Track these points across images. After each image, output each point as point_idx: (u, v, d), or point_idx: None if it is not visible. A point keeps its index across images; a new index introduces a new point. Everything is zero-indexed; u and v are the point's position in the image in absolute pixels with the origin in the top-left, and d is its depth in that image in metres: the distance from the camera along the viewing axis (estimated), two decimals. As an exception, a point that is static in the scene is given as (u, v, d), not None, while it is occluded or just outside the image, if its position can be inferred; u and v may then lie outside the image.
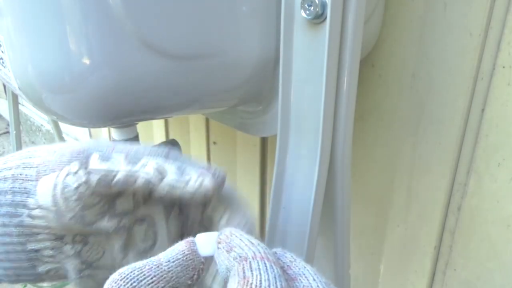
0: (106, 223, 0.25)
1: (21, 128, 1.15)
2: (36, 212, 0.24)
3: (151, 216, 0.27)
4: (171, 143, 0.46)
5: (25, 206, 0.24)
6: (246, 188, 0.79)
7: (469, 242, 0.49)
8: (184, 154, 0.27)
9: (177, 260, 0.21)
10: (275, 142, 0.38)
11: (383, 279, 0.60)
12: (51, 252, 0.25)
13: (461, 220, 0.49)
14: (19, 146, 0.93)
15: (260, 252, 0.20)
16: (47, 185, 0.23)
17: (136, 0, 0.29)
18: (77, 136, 1.45)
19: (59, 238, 0.25)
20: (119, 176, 0.23)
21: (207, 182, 0.23)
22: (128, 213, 0.26)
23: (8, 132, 1.87)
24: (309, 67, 0.33)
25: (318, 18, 0.31)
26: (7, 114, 0.95)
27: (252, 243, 0.20)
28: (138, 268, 0.20)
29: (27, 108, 1.72)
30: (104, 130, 1.17)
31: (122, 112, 0.34)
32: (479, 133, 0.45)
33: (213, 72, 0.35)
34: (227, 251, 0.20)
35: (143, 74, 0.32)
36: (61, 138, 1.09)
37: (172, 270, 0.20)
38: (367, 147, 0.55)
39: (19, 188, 0.23)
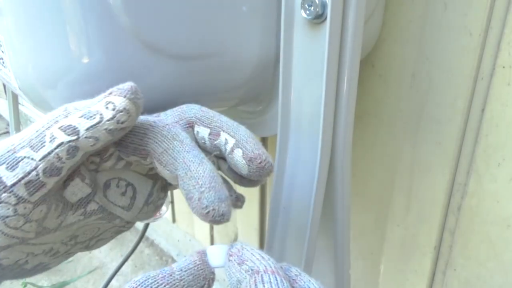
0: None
1: (21, 128, 1.15)
2: None
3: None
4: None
5: None
6: (246, 189, 0.79)
7: (469, 242, 0.49)
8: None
9: (188, 269, 0.22)
10: (275, 142, 0.38)
11: (383, 279, 0.60)
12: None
13: (461, 220, 0.49)
14: (19, 146, 0.92)
15: (271, 266, 0.21)
16: None
17: (136, 0, 0.29)
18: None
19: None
20: (41, 167, 0.22)
21: (120, 105, 0.22)
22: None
23: (8, 132, 1.87)
24: (309, 67, 0.33)
25: (318, 18, 0.31)
26: (7, 114, 0.95)
27: (263, 257, 0.21)
28: (152, 276, 0.21)
29: (27, 108, 1.72)
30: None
31: (122, 112, 0.34)
32: (479, 133, 0.45)
33: (213, 72, 0.35)
34: (238, 264, 0.21)
35: (143, 74, 0.32)
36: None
37: (184, 279, 0.21)
38: (367, 147, 0.55)
39: None
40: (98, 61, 0.30)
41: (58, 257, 0.27)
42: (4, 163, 0.21)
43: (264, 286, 0.20)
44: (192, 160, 0.23)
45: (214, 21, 0.33)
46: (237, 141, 0.26)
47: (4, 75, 0.33)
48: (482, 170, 0.46)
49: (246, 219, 0.82)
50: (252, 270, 0.21)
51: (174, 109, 0.28)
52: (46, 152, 0.21)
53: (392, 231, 0.56)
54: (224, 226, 0.90)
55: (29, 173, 0.21)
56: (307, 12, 0.31)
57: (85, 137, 0.22)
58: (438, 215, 0.51)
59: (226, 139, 0.26)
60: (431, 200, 0.51)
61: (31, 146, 0.21)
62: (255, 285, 0.20)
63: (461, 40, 0.43)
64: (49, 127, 0.22)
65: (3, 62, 0.32)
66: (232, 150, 0.26)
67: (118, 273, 0.65)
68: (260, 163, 0.25)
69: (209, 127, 0.27)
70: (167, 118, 0.28)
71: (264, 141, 0.71)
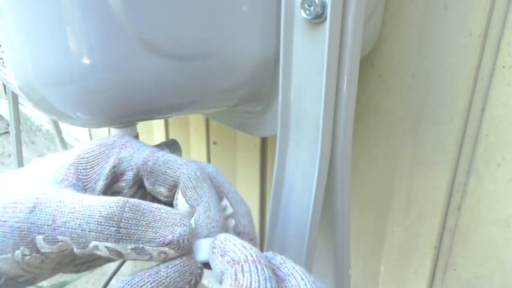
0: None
1: (21, 128, 1.15)
2: (11, 275, 0.24)
3: None
4: (171, 143, 0.46)
5: None
6: (246, 188, 0.79)
7: (469, 242, 0.49)
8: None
9: (174, 266, 0.22)
10: (275, 142, 0.38)
11: (383, 279, 0.60)
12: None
13: (461, 220, 0.49)
14: (19, 146, 0.93)
15: (252, 256, 0.21)
16: (9, 263, 0.23)
17: (136, 0, 0.29)
18: (77, 136, 1.45)
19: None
20: (76, 252, 0.23)
21: (170, 253, 0.22)
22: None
23: (8, 132, 1.88)
24: (309, 67, 0.33)
25: (318, 18, 0.31)
26: (7, 114, 0.95)
27: (244, 247, 0.21)
28: (139, 275, 0.21)
29: (27, 108, 1.72)
30: (104, 130, 1.17)
31: (122, 112, 0.34)
32: (479, 133, 0.45)
33: (213, 72, 0.35)
34: (221, 255, 0.21)
35: (143, 74, 0.32)
36: (61, 138, 1.09)
37: (170, 275, 0.21)
38: (367, 147, 0.55)
39: None
40: (97, 61, 0.30)
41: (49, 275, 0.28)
42: (43, 234, 0.22)
43: (243, 275, 0.20)
44: (214, 205, 0.25)
45: (214, 21, 0.33)
46: (235, 212, 0.27)
47: (4, 75, 0.33)
48: (482, 170, 0.46)
49: (246, 219, 0.82)
50: (233, 260, 0.21)
51: (192, 160, 0.28)
52: (87, 252, 0.22)
53: (392, 231, 0.56)
54: (224, 226, 0.90)
55: (63, 252, 0.23)
56: (307, 12, 0.31)
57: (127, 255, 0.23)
58: (438, 215, 0.51)
59: (225, 206, 0.27)
60: (431, 200, 0.51)
61: (72, 240, 0.22)
62: (235, 275, 0.20)
63: (461, 40, 0.43)
64: (97, 240, 0.22)
65: (3, 62, 0.32)
66: (226, 218, 0.27)
67: (118, 273, 0.64)
68: (246, 241, 0.25)
69: (216, 189, 0.27)
70: None
71: (264, 141, 0.71)
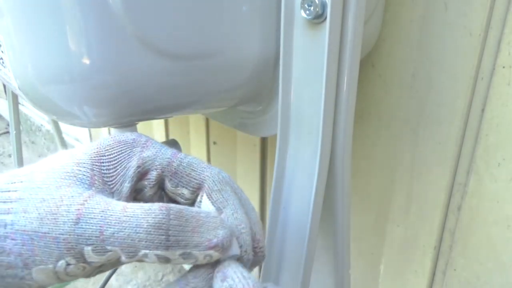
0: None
1: (21, 128, 1.15)
2: (36, 285, 0.23)
3: None
4: (171, 143, 0.46)
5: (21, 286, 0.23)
6: (246, 188, 0.79)
7: (469, 242, 0.49)
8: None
9: (201, 275, 0.24)
10: (275, 142, 0.38)
11: (383, 279, 0.60)
12: None
13: (461, 220, 0.49)
14: (19, 146, 0.93)
15: (249, 285, 0.22)
16: (46, 273, 0.23)
17: (136, 0, 0.29)
18: (77, 136, 1.45)
19: None
20: (123, 260, 0.23)
21: (215, 255, 0.24)
22: None
23: (8, 132, 1.87)
24: (309, 67, 0.33)
25: (318, 18, 0.31)
26: (7, 114, 0.95)
27: (244, 277, 0.22)
28: None
29: (27, 108, 1.72)
30: (104, 130, 1.17)
31: (122, 112, 0.34)
32: (479, 133, 0.45)
33: (213, 72, 0.35)
34: (221, 280, 0.22)
35: (142, 74, 0.32)
36: (61, 138, 1.09)
37: (198, 285, 0.24)
38: (367, 147, 0.55)
39: (7, 274, 0.22)
40: (97, 61, 0.30)
41: None
42: (92, 245, 0.22)
43: None
44: (239, 207, 0.26)
45: (214, 21, 0.33)
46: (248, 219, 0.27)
47: (4, 75, 0.33)
48: (482, 170, 0.46)
49: (246, 219, 0.82)
50: (231, 287, 0.22)
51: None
52: (134, 260, 0.23)
53: (392, 231, 0.56)
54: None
55: (109, 260, 0.23)
56: (307, 12, 0.31)
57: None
58: (438, 215, 0.51)
59: None
60: (431, 200, 0.51)
61: (122, 250, 0.22)
62: None
63: (461, 40, 0.43)
64: (148, 248, 0.22)
65: (3, 62, 0.32)
66: None
67: (118, 273, 0.64)
68: (256, 247, 0.26)
69: None
70: None
71: (264, 141, 0.71)
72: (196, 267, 0.24)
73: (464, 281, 0.51)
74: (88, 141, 1.34)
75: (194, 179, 0.26)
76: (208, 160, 0.84)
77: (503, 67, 0.41)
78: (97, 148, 0.26)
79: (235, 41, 0.35)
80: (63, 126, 1.22)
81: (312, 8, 0.31)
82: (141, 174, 0.26)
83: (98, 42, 0.29)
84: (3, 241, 0.22)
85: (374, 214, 0.58)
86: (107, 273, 0.63)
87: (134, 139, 0.27)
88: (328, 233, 0.40)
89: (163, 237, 0.22)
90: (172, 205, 0.23)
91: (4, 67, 0.32)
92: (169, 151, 0.27)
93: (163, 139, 0.92)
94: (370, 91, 0.52)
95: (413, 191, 0.52)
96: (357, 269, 0.63)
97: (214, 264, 0.24)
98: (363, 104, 0.53)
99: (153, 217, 0.22)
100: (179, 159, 0.26)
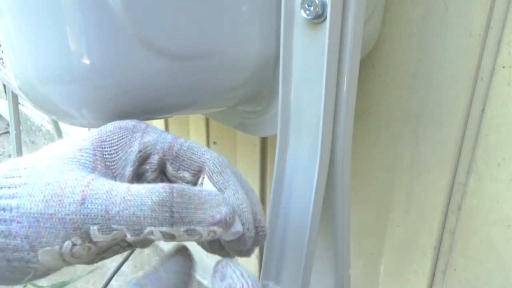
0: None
1: (21, 128, 1.15)
2: (41, 269, 0.24)
3: None
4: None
5: (27, 272, 0.24)
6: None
7: (469, 242, 0.49)
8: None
9: (172, 267, 0.25)
10: (275, 142, 0.38)
11: (383, 279, 0.60)
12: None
13: (461, 220, 0.49)
14: (19, 146, 0.93)
15: (248, 284, 0.22)
16: (52, 254, 0.23)
17: (136, 0, 0.29)
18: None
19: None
20: (130, 239, 0.23)
21: (218, 231, 0.24)
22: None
23: (8, 132, 1.87)
24: (309, 67, 0.33)
25: (318, 18, 0.31)
26: (7, 114, 0.95)
27: (242, 275, 0.23)
28: (141, 283, 0.23)
29: (27, 108, 1.72)
30: (104, 130, 1.17)
31: (122, 112, 0.34)
32: (479, 133, 0.45)
33: (213, 72, 0.35)
34: (220, 279, 0.23)
35: (142, 74, 0.32)
36: (61, 138, 1.09)
37: (170, 278, 0.24)
38: (367, 147, 0.55)
39: (13, 257, 0.23)
40: (97, 60, 0.30)
41: None
42: (98, 224, 0.22)
43: None
44: (240, 187, 0.26)
45: (214, 21, 0.33)
46: (248, 199, 0.27)
47: (4, 75, 0.33)
48: (482, 170, 0.46)
49: (246, 219, 0.82)
50: (230, 286, 0.22)
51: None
52: (140, 239, 0.23)
53: (392, 231, 0.56)
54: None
55: (115, 239, 0.23)
56: (307, 12, 0.31)
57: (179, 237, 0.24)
58: (438, 215, 0.51)
59: None
60: (431, 200, 0.51)
61: (127, 228, 0.22)
62: None
63: (461, 40, 0.43)
64: (153, 225, 0.22)
65: (3, 62, 0.32)
66: None
67: (118, 273, 0.65)
68: (258, 227, 0.27)
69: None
70: None
71: (264, 141, 0.71)
72: (165, 259, 0.25)
73: (464, 281, 0.51)
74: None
75: (195, 162, 0.27)
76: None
77: (503, 67, 0.41)
78: (98, 134, 0.27)
79: (235, 41, 0.35)
80: (63, 126, 1.22)
81: (312, 8, 0.31)
82: (143, 158, 0.26)
83: (98, 42, 0.29)
84: (9, 225, 0.22)
85: (374, 214, 0.58)
86: (108, 274, 0.63)
87: (134, 125, 0.28)
88: (328, 233, 0.40)
89: (168, 213, 0.22)
90: (175, 184, 0.23)
91: (4, 67, 0.32)
92: (169, 136, 0.27)
93: (163, 139, 0.92)
94: (370, 91, 0.52)
95: (413, 191, 0.52)
96: (357, 269, 0.63)
97: (185, 257, 0.25)
98: (363, 104, 0.53)
99: (157, 195, 0.22)
100: (180, 143, 0.27)
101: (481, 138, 0.45)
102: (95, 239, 0.23)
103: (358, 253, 0.62)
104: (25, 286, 1.18)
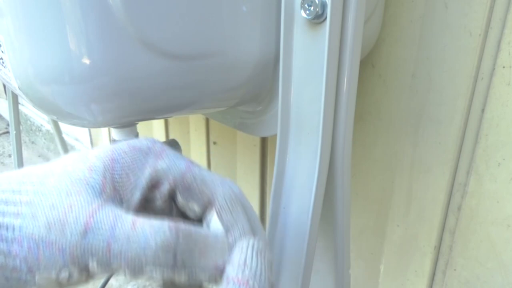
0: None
1: (21, 128, 1.15)
2: None
3: None
4: (171, 143, 0.46)
5: None
6: (246, 188, 0.79)
7: (469, 242, 0.49)
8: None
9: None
10: (275, 142, 0.38)
11: (383, 279, 0.60)
12: None
13: (461, 220, 0.49)
14: (19, 146, 0.93)
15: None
16: (48, 280, 0.23)
17: (136, 0, 0.29)
18: (77, 136, 1.45)
19: None
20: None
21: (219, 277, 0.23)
22: None
23: (8, 132, 1.87)
24: (309, 67, 0.33)
25: (318, 18, 0.31)
26: (7, 114, 0.95)
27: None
28: None
29: (27, 108, 1.72)
30: (104, 130, 1.17)
31: (122, 112, 0.34)
32: (479, 133, 0.45)
33: (213, 72, 0.35)
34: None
35: (142, 74, 0.32)
36: (61, 138, 1.09)
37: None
38: (367, 147, 0.55)
39: (12, 276, 0.22)
40: (97, 61, 0.30)
41: None
42: (98, 259, 0.22)
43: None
44: (248, 230, 0.26)
45: (214, 21, 0.33)
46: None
47: (4, 75, 0.33)
48: (482, 170, 0.46)
49: (246, 219, 0.82)
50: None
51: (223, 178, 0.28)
52: (137, 277, 0.22)
53: (392, 231, 0.56)
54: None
55: (112, 273, 0.23)
56: (307, 12, 0.31)
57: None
58: (438, 215, 0.51)
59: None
60: (431, 200, 0.51)
61: (127, 266, 0.22)
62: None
63: (461, 40, 0.43)
64: (154, 268, 0.22)
65: (3, 62, 0.32)
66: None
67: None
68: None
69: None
70: None
71: (264, 141, 0.71)
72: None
73: (464, 281, 0.51)
74: (88, 141, 1.34)
75: (206, 195, 0.26)
76: (208, 160, 0.84)
77: (503, 67, 0.41)
78: (111, 153, 0.25)
79: (235, 41, 0.35)
80: (63, 126, 1.22)
81: (312, 8, 0.31)
82: (153, 184, 0.26)
83: (98, 42, 0.29)
84: (10, 245, 0.22)
85: (374, 214, 0.58)
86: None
87: (149, 147, 0.26)
88: (328, 233, 0.40)
89: (171, 258, 0.22)
90: (182, 225, 0.22)
91: (4, 67, 0.32)
92: (183, 163, 0.26)
93: (163, 139, 0.92)
94: (370, 91, 0.52)
95: (413, 191, 0.52)
96: (357, 269, 0.63)
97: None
98: (363, 104, 0.53)
99: (161, 237, 0.22)
100: (193, 173, 0.26)
101: (481, 138, 0.45)
102: (92, 271, 0.22)
103: (358, 253, 0.62)
104: None
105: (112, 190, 0.24)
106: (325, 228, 0.40)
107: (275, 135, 0.38)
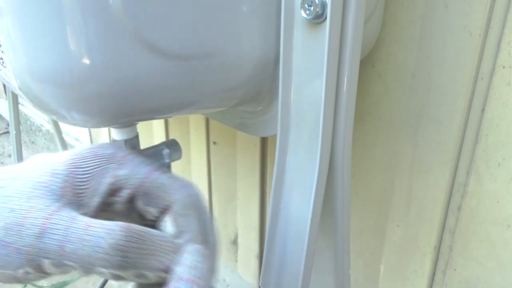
0: None
1: (21, 128, 1.15)
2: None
3: None
4: (171, 143, 0.46)
5: None
6: (246, 188, 0.79)
7: (469, 242, 0.49)
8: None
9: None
10: (275, 142, 0.38)
11: (383, 279, 0.60)
12: None
13: (461, 220, 0.49)
14: (19, 146, 0.93)
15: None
16: (7, 276, 0.24)
17: (136, 0, 0.29)
18: (77, 136, 1.45)
19: None
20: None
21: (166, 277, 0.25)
22: None
23: (8, 132, 1.87)
24: (309, 67, 0.33)
25: (318, 18, 0.31)
26: (7, 114, 0.95)
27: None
28: None
29: (27, 108, 1.72)
30: (104, 130, 1.17)
31: (122, 112, 0.34)
32: (479, 133, 0.45)
33: (213, 72, 0.35)
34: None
35: (142, 74, 0.32)
36: (61, 138, 1.09)
37: None
38: (367, 147, 0.55)
39: None
40: (97, 61, 0.30)
41: None
42: (51, 258, 0.23)
43: None
44: (198, 234, 0.27)
45: (213, 21, 0.33)
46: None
47: (4, 75, 0.33)
48: (482, 170, 0.46)
49: (246, 219, 0.83)
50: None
51: (182, 181, 0.29)
52: (89, 275, 0.23)
53: (392, 231, 0.56)
54: (224, 226, 0.90)
55: (66, 272, 0.24)
56: (307, 12, 0.31)
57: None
58: (438, 215, 0.51)
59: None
60: (431, 200, 0.51)
61: (79, 266, 0.23)
62: None
63: (461, 40, 0.43)
64: (104, 267, 0.23)
65: (3, 62, 0.32)
66: None
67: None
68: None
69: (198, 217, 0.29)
70: None
71: (264, 141, 0.71)
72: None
73: (464, 281, 0.51)
74: (88, 141, 1.34)
75: (164, 200, 0.27)
76: (208, 160, 0.84)
77: (503, 67, 0.41)
78: (74, 158, 0.27)
79: (235, 41, 0.35)
80: (63, 126, 1.22)
81: (312, 8, 0.31)
82: (113, 190, 0.27)
83: (98, 42, 0.29)
84: None
85: (374, 214, 0.58)
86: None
87: (111, 153, 0.28)
88: (328, 233, 0.40)
89: (120, 258, 0.23)
90: (134, 226, 0.24)
91: (4, 67, 0.32)
92: (143, 170, 0.27)
93: (163, 139, 0.92)
94: (370, 91, 0.52)
95: (413, 191, 0.52)
96: (357, 269, 0.63)
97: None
98: (363, 104, 0.53)
99: (113, 238, 0.23)
100: (152, 179, 0.27)
101: (481, 138, 0.45)
102: (47, 271, 0.23)
103: (358, 253, 0.62)
104: (25, 286, 1.18)
105: (72, 194, 0.25)
106: (325, 228, 0.40)
107: (275, 135, 0.38)
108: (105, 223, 0.23)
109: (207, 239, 0.27)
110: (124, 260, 0.23)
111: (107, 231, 0.23)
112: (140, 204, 0.27)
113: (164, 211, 0.27)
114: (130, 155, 0.28)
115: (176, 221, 0.27)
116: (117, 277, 0.23)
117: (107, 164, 0.27)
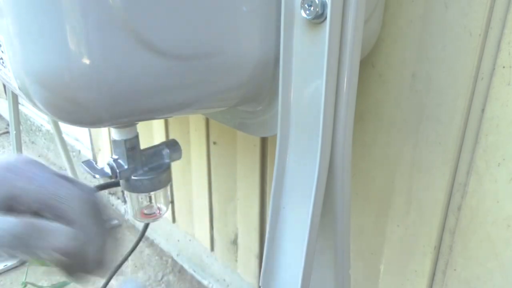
0: None
1: (21, 128, 1.15)
2: None
3: None
4: (171, 143, 0.46)
5: None
6: (246, 188, 0.79)
7: (469, 242, 0.49)
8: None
9: None
10: (275, 142, 0.38)
11: (383, 279, 0.60)
12: None
13: (461, 220, 0.49)
14: (19, 146, 0.93)
15: None
16: None
17: (136, 0, 0.29)
18: (77, 136, 1.45)
19: None
20: None
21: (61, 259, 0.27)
22: None
23: (8, 132, 1.87)
24: (309, 67, 0.33)
25: (318, 18, 0.31)
26: (7, 114, 0.95)
27: None
28: None
29: (27, 108, 1.72)
30: (104, 130, 1.17)
31: (122, 112, 0.34)
32: (479, 133, 0.45)
33: (213, 72, 0.35)
34: None
35: (142, 74, 0.32)
36: (61, 138, 1.09)
37: None
38: (367, 147, 0.55)
39: None
40: (97, 61, 0.30)
41: None
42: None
43: None
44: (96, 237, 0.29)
45: (214, 21, 0.33)
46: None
47: (4, 75, 0.33)
48: (482, 170, 0.46)
49: (246, 219, 0.83)
50: None
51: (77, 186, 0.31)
52: None
53: (392, 231, 0.56)
54: (224, 226, 0.90)
55: None
56: (307, 12, 0.31)
57: None
58: (438, 215, 0.51)
59: None
60: (431, 200, 0.51)
61: None
62: None
63: (461, 40, 0.43)
64: None
65: (3, 62, 0.32)
66: None
67: (118, 272, 0.65)
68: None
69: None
70: None
71: (264, 141, 0.71)
72: None
73: (464, 281, 0.51)
74: (88, 141, 1.34)
75: (59, 210, 0.28)
76: (208, 160, 0.84)
77: (503, 67, 0.41)
78: None
79: (235, 41, 0.35)
80: (63, 126, 1.22)
81: (312, 8, 0.31)
82: (8, 204, 0.28)
83: (98, 42, 0.29)
84: None
85: (374, 214, 0.58)
86: (108, 274, 0.63)
87: (10, 163, 0.28)
88: (328, 233, 0.40)
89: (15, 240, 0.25)
90: (26, 219, 0.26)
91: (4, 67, 0.32)
92: (40, 182, 0.29)
93: (163, 139, 0.92)
94: (370, 91, 0.52)
95: (413, 191, 0.52)
96: (357, 269, 0.63)
97: None
98: (363, 104, 0.53)
99: (9, 225, 0.25)
100: (48, 193, 0.28)
101: (481, 138, 0.45)
102: None
103: (358, 253, 0.62)
104: (25, 286, 1.18)
105: None
106: (325, 228, 0.40)
107: (275, 135, 0.38)
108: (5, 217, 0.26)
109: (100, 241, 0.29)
110: (18, 241, 0.25)
111: (5, 220, 0.26)
112: (38, 211, 0.29)
113: (59, 219, 0.29)
114: (28, 166, 0.29)
115: (72, 225, 0.28)
116: (12, 256, 0.26)
117: (3, 175, 0.28)
